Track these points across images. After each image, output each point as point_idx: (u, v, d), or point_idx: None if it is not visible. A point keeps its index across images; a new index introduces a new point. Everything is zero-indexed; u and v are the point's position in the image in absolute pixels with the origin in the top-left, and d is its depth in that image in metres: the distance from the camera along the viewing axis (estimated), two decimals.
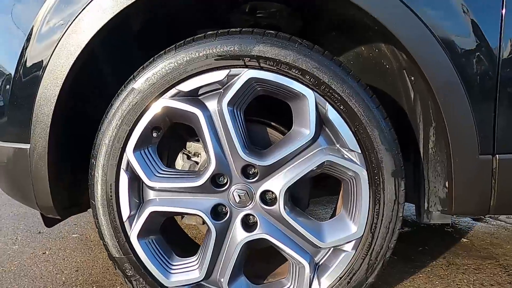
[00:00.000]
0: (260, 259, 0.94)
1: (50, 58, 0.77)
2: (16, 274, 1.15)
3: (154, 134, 0.79)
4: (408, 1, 0.68)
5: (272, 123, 0.87)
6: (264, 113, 0.88)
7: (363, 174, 0.75)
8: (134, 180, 0.80)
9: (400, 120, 0.89)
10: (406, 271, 1.18)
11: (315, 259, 0.81)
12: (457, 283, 1.11)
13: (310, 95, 0.73)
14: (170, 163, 0.93)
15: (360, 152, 0.74)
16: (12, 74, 0.81)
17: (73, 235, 1.46)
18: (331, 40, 1.01)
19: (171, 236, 0.91)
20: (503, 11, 0.68)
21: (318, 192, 1.11)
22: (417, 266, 1.21)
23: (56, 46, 0.77)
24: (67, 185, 0.90)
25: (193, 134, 0.83)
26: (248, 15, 0.95)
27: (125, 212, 0.80)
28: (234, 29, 0.75)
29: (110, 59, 0.88)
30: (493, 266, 1.21)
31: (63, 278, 1.12)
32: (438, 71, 0.70)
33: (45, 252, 1.30)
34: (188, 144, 0.88)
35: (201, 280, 0.81)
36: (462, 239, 1.44)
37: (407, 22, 0.69)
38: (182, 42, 0.76)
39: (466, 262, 1.24)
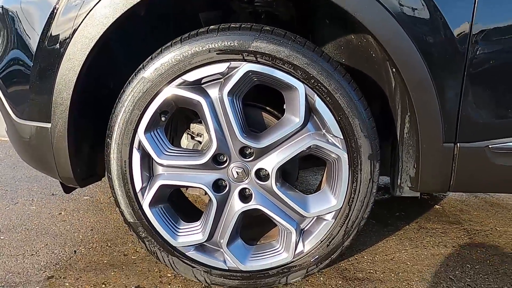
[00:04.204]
0: (254, 223, 1.09)
1: (68, 44, 0.85)
2: (38, 232, 1.30)
3: (163, 118, 0.90)
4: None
5: (267, 108, 0.97)
6: (260, 98, 0.98)
7: (344, 156, 0.87)
8: (145, 157, 0.92)
9: (383, 104, 1.00)
10: (382, 234, 1.35)
11: (301, 225, 0.96)
12: (424, 245, 1.28)
13: (300, 88, 0.83)
14: (175, 141, 1.05)
15: (342, 138, 0.86)
16: (32, 62, 0.89)
17: (84, 197, 1.60)
18: (325, 27, 1.08)
19: (178, 203, 1.04)
20: (473, 15, 0.76)
21: (306, 164, 1.24)
22: (392, 229, 1.38)
23: (75, 31, 0.84)
24: (86, 159, 1.01)
25: (197, 115, 0.94)
26: (246, 3, 1.02)
27: (138, 184, 0.93)
28: (234, 25, 0.83)
29: (123, 45, 0.95)
30: (458, 230, 1.38)
31: (80, 236, 1.28)
32: (412, 69, 0.79)
33: (60, 213, 1.45)
34: (192, 125, 0.99)
35: (203, 242, 0.96)
36: (436, 205, 1.61)
37: (386, 24, 0.77)
38: (187, 35, 0.84)
39: (435, 227, 1.41)
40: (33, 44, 0.88)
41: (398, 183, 0.98)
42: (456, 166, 0.85)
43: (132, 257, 1.16)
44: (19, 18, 0.93)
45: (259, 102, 0.98)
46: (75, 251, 1.18)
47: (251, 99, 0.96)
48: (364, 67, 1.04)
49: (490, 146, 0.83)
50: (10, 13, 0.95)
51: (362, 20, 0.77)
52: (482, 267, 1.14)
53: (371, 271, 1.11)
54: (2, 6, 0.98)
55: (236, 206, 0.94)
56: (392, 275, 1.09)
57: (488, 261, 1.18)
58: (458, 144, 0.83)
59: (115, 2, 0.80)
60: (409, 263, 1.16)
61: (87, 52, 0.84)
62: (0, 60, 0.98)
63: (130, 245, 1.22)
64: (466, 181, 0.88)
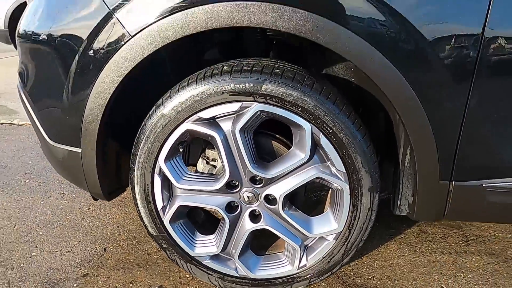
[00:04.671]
0: (264, 234, 1.20)
1: (94, 82, 0.93)
2: (71, 228, 1.46)
3: (180, 148, 0.99)
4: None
5: (277, 135, 1.04)
6: (270, 126, 1.04)
7: (346, 188, 0.95)
8: (166, 180, 1.02)
9: (390, 127, 1.04)
10: (383, 238, 1.44)
11: (305, 243, 1.06)
12: (422, 251, 1.37)
13: (307, 127, 0.89)
14: (190, 158, 1.14)
15: (345, 172, 0.93)
16: (64, 94, 0.97)
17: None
18: (334, 52, 1.11)
19: (195, 218, 1.16)
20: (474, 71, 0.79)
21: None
22: (393, 233, 1.47)
23: (103, 67, 0.91)
24: (112, 175, 1.12)
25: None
26: (259, 33, 1.05)
27: (159, 203, 1.04)
28: (246, 67, 0.88)
29: (146, 78, 1.02)
30: (457, 236, 1.46)
31: (108, 234, 1.43)
32: (412, 116, 0.84)
33: (89, 208, 1.60)
34: (207, 151, 1.07)
35: (218, 253, 1.08)
36: None
37: (388, 74, 0.81)
38: (202, 76, 0.90)
39: (436, 231, 1.49)
40: (64, 77, 0.95)
41: (398, 204, 1.06)
42: (451, 200, 0.91)
43: (155, 256, 1.30)
44: (51, 48, 1.00)
45: (270, 129, 1.04)
46: (104, 249, 1.33)
47: (262, 127, 1.03)
48: (372, 89, 1.07)
49: (484, 185, 0.88)
50: (42, 40, 1.02)
51: (363, 68, 0.81)
52: (474, 276, 1.24)
53: (369, 277, 1.22)
54: (33, 31, 1.04)
55: (247, 225, 1.04)
56: (389, 282, 1.20)
57: (481, 270, 1.27)
58: (453, 182, 0.89)
59: (135, 50, 0.86)
60: (405, 270, 1.26)
61: (112, 90, 0.92)
62: (36, 87, 1.07)
63: (152, 244, 1.36)
64: (460, 213, 0.95)
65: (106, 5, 0.84)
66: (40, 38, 1.00)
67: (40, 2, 0.99)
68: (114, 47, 0.87)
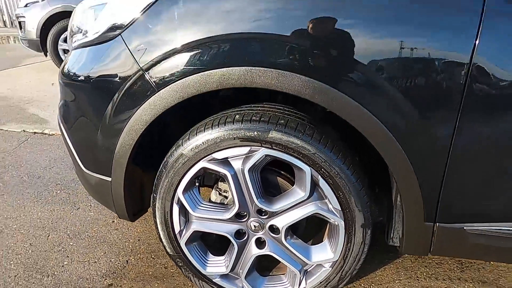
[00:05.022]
0: (267, 257, 1.32)
1: (127, 122, 1.07)
2: (98, 239, 1.63)
3: (196, 182, 1.13)
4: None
5: (281, 172, 1.16)
6: (277, 163, 1.17)
7: (341, 223, 1.06)
8: (183, 208, 1.16)
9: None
10: (382, 261, 1.54)
11: (304, 268, 1.18)
12: (418, 275, 1.47)
13: (307, 170, 1.01)
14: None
15: (340, 209, 1.05)
16: (98, 133, 1.13)
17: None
18: None
19: (207, 240, 1.29)
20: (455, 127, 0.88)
21: None
22: (392, 256, 1.57)
23: (134, 113, 1.05)
24: (137, 201, 1.28)
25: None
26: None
27: (177, 228, 1.18)
28: (255, 117, 1.01)
29: (172, 125, 1.17)
30: (452, 262, 1.55)
31: (130, 246, 1.59)
32: (398, 165, 0.94)
33: (113, 221, 1.77)
34: (219, 183, 1.21)
35: (227, 273, 1.22)
36: None
37: (376, 129, 0.92)
38: (217, 122, 1.04)
39: (432, 257, 1.58)
40: (99, 117, 1.11)
41: (391, 236, 1.16)
42: (435, 240, 1.02)
43: (171, 270, 1.45)
44: (90, 91, 1.16)
45: (276, 166, 1.17)
46: (127, 261, 1.49)
47: (270, 164, 1.15)
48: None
49: (465, 228, 0.99)
50: (83, 83, 1.17)
51: (351, 122, 0.92)
52: None
53: None
54: (75, 73, 1.20)
55: (253, 251, 1.17)
56: None
57: None
58: (437, 223, 1.00)
59: (160, 102, 1.00)
60: None
61: (140, 132, 1.06)
62: (74, 121, 1.23)
63: (169, 258, 1.50)
64: (444, 251, 1.05)
65: (139, 65, 0.99)
66: (82, 81, 1.15)
67: (83, 51, 1.15)
68: (142, 98, 1.02)
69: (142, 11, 0.99)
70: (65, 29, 4.64)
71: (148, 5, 0.98)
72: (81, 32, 1.17)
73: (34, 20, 4.58)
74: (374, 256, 1.55)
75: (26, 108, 3.44)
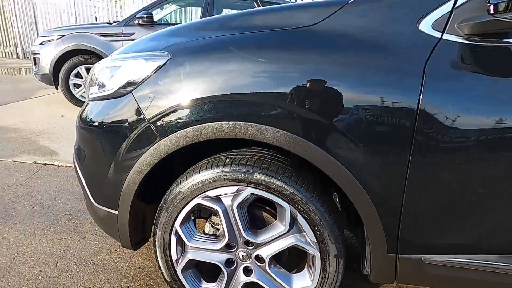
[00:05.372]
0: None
1: (134, 165, 1.26)
2: (102, 267, 1.77)
3: (192, 216, 1.30)
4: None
5: (267, 207, 1.33)
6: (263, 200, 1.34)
7: (318, 254, 1.22)
8: (180, 239, 1.32)
9: None
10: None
11: None
12: None
13: (287, 207, 1.18)
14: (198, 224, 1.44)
15: (316, 242, 1.20)
16: (108, 172, 1.31)
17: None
18: None
19: (201, 268, 1.44)
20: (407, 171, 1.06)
21: None
22: (373, 286, 1.70)
23: (139, 157, 1.24)
24: (139, 231, 1.44)
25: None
26: None
27: (174, 256, 1.34)
28: (242, 161, 1.19)
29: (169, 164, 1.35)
30: None
31: (132, 274, 1.73)
32: (361, 203, 1.11)
33: (116, 249, 1.91)
34: (213, 217, 1.37)
35: None
36: None
37: (342, 174, 1.10)
38: (210, 164, 1.22)
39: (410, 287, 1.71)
40: (110, 160, 1.30)
41: (364, 265, 1.31)
42: (399, 269, 1.17)
43: None
44: (104, 137, 1.35)
45: (262, 202, 1.34)
46: (128, 287, 1.63)
47: (255, 200, 1.33)
48: None
49: (423, 259, 1.14)
50: (97, 129, 1.37)
51: (320, 167, 1.10)
52: None
53: None
54: (92, 119, 1.40)
55: (241, 278, 1.32)
56: None
57: None
58: (399, 254, 1.15)
59: (162, 148, 1.20)
60: None
61: (145, 173, 1.25)
62: (87, 161, 1.42)
63: (166, 284, 1.64)
64: (408, 280, 1.19)
65: (146, 117, 1.19)
66: (97, 126, 1.35)
67: (99, 103, 1.35)
68: (148, 144, 1.21)
69: (153, 71, 1.20)
70: (76, 65, 4.95)
71: (159, 66, 1.19)
72: (97, 86, 1.38)
73: (48, 56, 4.90)
74: (356, 284, 1.68)
75: (37, 140, 3.65)
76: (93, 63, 4.99)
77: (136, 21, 4.98)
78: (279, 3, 5.62)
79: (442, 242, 1.13)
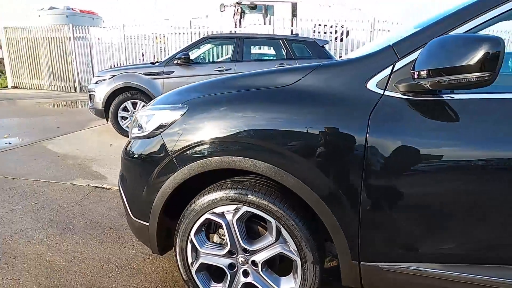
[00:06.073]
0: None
1: (161, 188, 1.68)
2: (137, 271, 2.18)
3: (203, 228, 1.68)
4: None
5: (261, 222, 1.68)
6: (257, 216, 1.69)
7: (298, 261, 1.54)
8: (194, 246, 1.70)
9: None
10: None
11: None
12: None
13: (273, 222, 1.53)
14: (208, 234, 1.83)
15: (297, 250, 1.53)
16: (143, 193, 1.75)
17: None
18: None
19: (211, 269, 1.81)
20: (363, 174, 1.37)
21: None
22: None
23: (164, 182, 1.67)
24: (165, 240, 1.84)
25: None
26: None
27: (189, 260, 1.72)
28: (239, 186, 1.57)
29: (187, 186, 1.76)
30: None
31: (160, 277, 2.12)
32: (326, 217, 1.43)
33: (149, 257, 2.33)
34: (220, 230, 1.75)
35: None
36: None
37: (312, 195, 1.43)
38: (217, 188, 1.61)
39: None
40: (144, 183, 1.73)
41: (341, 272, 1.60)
42: (362, 275, 1.46)
43: None
44: (140, 167, 1.80)
45: (256, 219, 1.69)
46: (156, 287, 2.02)
47: (252, 216, 1.68)
48: None
49: (380, 266, 1.42)
50: (135, 160, 1.83)
51: (295, 191, 1.44)
52: None
53: None
54: (133, 152, 1.86)
55: (241, 279, 1.66)
56: None
57: None
58: (361, 262, 1.44)
59: (181, 175, 1.61)
60: None
61: (169, 193, 1.66)
62: (128, 184, 1.87)
63: (185, 283, 2.01)
64: (371, 284, 1.47)
65: (169, 153, 1.62)
66: (136, 158, 1.81)
67: (138, 141, 1.81)
68: (171, 172, 1.63)
69: (175, 118, 1.64)
70: (124, 100, 5.68)
71: (180, 115, 1.63)
72: (137, 128, 1.85)
73: (101, 93, 5.69)
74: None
75: (90, 166, 4.28)
76: (137, 99, 5.70)
77: (175, 61, 5.66)
78: (304, 40, 6.09)
79: (394, 252, 1.41)
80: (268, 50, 7.20)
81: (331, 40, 10.49)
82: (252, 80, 1.58)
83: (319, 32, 10.69)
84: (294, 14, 11.75)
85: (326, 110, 1.41)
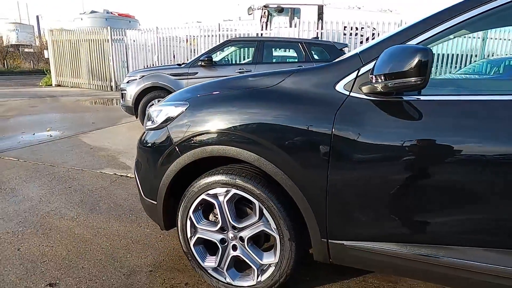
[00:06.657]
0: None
1: (166, 171, 1.99)
2: (149, 245, 2.51)
3: (200, 207, 1.97)
4: None
5: (249, 204, 1.95)
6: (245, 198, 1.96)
7: (277, 237, 1.79)
8: (192, 222, 2.00)
9: None
10: (331, 279, 2.14)
11: (260, 267, 1.89)
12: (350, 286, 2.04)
13: (256, 203, 1.79)
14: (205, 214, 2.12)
15: (276, 228, 1.78)
16: (152, 175, 2.07)
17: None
18: None
19: (206, 244, 2.09)
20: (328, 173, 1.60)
21: None
22: (339, 278, 2.15)
23: (169, 166, 1.98)
24: (170, 217, 2.16)
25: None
26: None
27: (189, 234, 2.02)
28: (229, 172, 1.85)
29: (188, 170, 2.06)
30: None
31: (167, 251, 2.43)
32: (300, 201, 1.67)
33: (160, 236, 2.65)
34: (214, 210, 2.03)
35: (216, 267, 1.99)
36: None
37: (289, 184, 1.68)
38: (212, 173, 1.89)
39: (374, 282, 2.12)
40: (154, 167, 2.05)
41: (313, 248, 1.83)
42: (330, 251, 1.68)
43: (188, 266, 2.25)
44: (151, 153, 2.13)
45: (245, 201, 1.96)
46: (163, 259, 2.34)
47: (242, 199, 1.95)
48: None
49: (344, 243, 1.64)
50: (146, 148, 2.15)
51: (273, 176, 1.69)
52: None
53: None
54: (146, 141, 2.19)
55: (231, 252, 1.94)
56: None
57: None
58: (328, 240, 1.67)
59: (182, 161, 1.91)
60: None
61: (173, 176, 1.97)
62: (142, 169, 2.21)
63: (185, 255, 2.31)
64: (338, 260, 1.69)
65: (173, 142, 1.92)
66: (148, 147, 2.14)
67: (150, 132, 2.14)
68: (174, 158, 1.94)
69: (179, 113, 1.95)
70: (151, 98, 6.13)
71: (182, 110, 1.93)
72: (150, 121, 2.18)
73: (131, 92, 6.18)
74: (326, 275, 2.16)
75: (118, 158, 4.72)
76: (164, 97, 6.13)
77: (199, 63, 6.04)
78: (323, 44, 6.28)
79: (355, 232, 1.63)
80: (288, 53, 7.43)
81: (361, 42, 10.52)
82: (243, 81, 1.85)
83: (345, 34, 10.75)
84: (320, 16, 11.88)
85: (300, 108, 1.66)
